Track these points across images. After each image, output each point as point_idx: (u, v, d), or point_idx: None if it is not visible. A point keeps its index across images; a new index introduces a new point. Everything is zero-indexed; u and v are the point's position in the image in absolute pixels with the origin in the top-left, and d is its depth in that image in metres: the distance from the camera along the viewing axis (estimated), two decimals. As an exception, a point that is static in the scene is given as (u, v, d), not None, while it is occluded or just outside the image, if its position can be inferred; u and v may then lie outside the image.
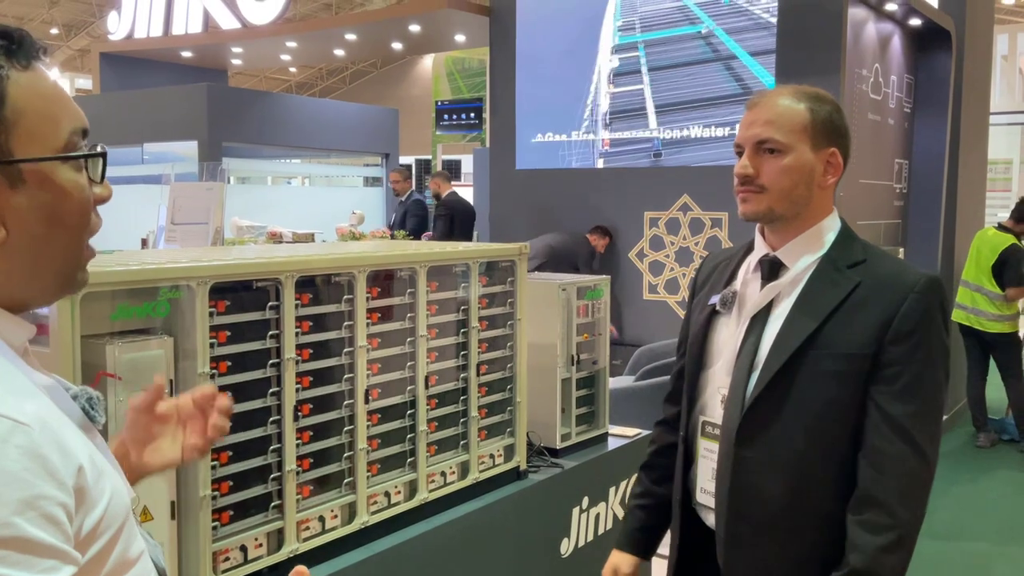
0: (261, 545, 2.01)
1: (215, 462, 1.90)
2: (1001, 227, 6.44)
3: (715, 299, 1.73)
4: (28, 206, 0.88)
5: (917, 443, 1.53)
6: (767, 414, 1.60)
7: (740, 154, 1.65)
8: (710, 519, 1.72)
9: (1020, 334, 6.49)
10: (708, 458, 1.72)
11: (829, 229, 1.66)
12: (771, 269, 1.67)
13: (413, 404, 2.39)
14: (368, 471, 2.26)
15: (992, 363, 6.45)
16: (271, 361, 2.01)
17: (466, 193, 10.70)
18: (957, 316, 6.41)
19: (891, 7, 5.85)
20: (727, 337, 1.70)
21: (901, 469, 1.53)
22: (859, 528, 1.53)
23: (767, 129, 1.61)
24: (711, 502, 1.70)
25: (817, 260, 1.63)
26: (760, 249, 1.70)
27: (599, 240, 6.66)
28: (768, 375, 1.59)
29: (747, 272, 1.72)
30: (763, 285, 1.67)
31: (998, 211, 10.79)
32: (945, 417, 6.68)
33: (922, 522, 1.57)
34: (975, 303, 6.36)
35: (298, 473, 2.08)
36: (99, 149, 0.95)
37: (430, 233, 9.09)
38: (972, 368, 6.51)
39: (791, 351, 1.57)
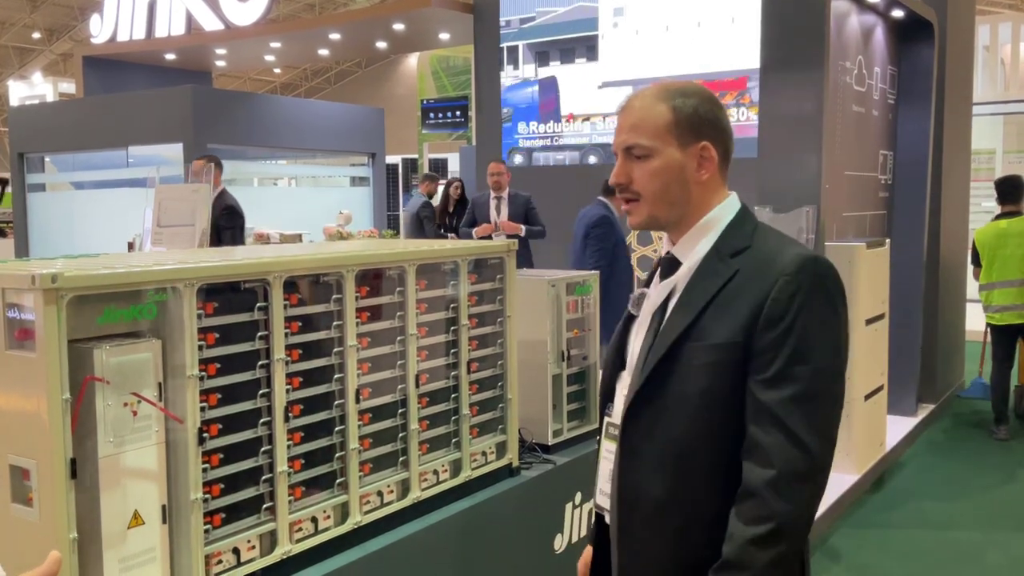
0: (254, 547, 2.00)
1: (206, 464, 1.89)
2: (1007, 214, 6.39)
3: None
4: None
5: (792, 431, 1.45)
6: (648, 411, 1.56)
7: None
8: (607, 519, 1.69)
9: None
10: (607, 459, 1.68)
11: (721, 218, 1.62)
12: (669, 267, 1.64)
13: (404, 403, 2.39)
14: (360, 471, 2.25)
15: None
16: (260, 362, 2.00)
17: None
18: (1007, 318, 6.28)
19: (873, -1, 5.88)
20: (635, 338, 1.68)
21: (776, 459, 1.45)
22: (735, 519, 1.47)
23: (632, 135, 1.58)
24: (606, 503, 1.67)
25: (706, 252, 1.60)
26: (664, 248, 1.69)
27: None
28: (646, 371, 1.56)
29: (657, 272, 1.71)
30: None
31: (982, 200, 10.84)
32: (932, 407, 6.70)
33: (808, 516, 1.47)
34: (1023, 297, 6.24)
35: (290, 474, 2.07)
36: None
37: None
38: (1002, 363, 6.42)
39: (667, 346, 1.54)
